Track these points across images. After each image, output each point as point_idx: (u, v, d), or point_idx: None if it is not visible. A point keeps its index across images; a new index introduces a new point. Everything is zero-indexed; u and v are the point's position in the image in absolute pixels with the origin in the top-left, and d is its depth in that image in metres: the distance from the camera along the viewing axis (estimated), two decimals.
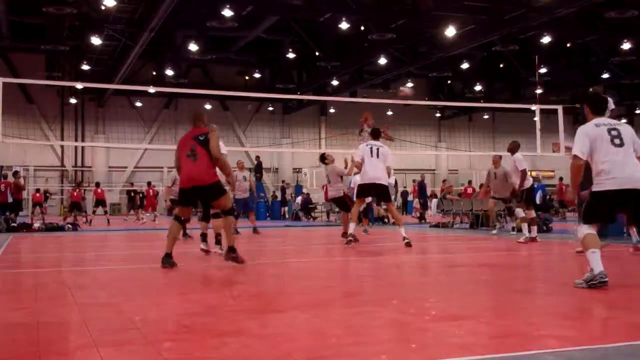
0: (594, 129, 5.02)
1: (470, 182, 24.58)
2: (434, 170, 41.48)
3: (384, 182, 9.50)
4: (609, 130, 5.00)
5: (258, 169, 29.24)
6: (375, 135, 9.86)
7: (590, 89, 6.16)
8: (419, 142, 36.69)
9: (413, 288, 5.44)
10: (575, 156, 4.99)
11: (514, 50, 28.36)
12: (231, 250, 6.68)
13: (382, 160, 9.47)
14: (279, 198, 28.97)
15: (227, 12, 22.07)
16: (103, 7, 21.71)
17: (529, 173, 11.35)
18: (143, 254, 9.13)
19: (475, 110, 40.64)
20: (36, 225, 16.37)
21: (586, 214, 5.00)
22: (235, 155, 37.81)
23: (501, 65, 33.25)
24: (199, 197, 6.92)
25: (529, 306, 4.35)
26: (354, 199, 10.36)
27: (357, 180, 13.77)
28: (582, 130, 5.07)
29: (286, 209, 28.10)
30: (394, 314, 3.96)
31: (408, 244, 9.05)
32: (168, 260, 6.57)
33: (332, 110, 39.20)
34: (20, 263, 7.66)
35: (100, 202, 21.91)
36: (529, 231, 10.55)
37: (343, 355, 2.91)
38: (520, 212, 10.78)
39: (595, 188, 4.96)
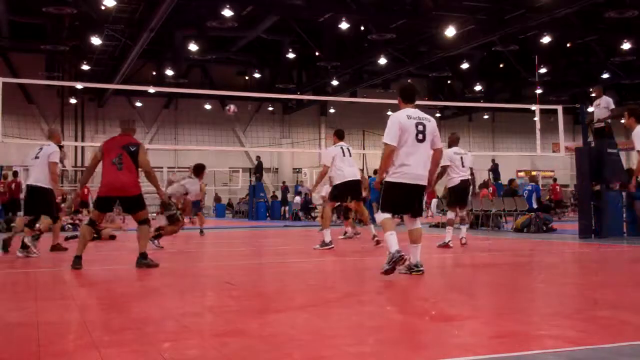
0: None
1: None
2: None
3: (359, 178, 9.56)
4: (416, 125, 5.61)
5: (258, 169, 29.27)
6: (340, 136, 9.67)
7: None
8: None
9: (413, 288, 5.44)
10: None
11: (514, 50, 28.34)
12: (142, 256, 6.74)
13: (353, 159, 9.50)
14: (279, 198, 29.00)
15: (227, 12, 22.06)
16: (103, 7, 21.70)
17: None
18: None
19: (475, 110, 40.62)
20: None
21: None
22: (235, 156, 37.91)
23: (501, 65, 33.24)
24: (121, 205, 7.03)
25: (529, 306, 4.35)
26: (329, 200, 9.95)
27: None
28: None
29: (286, 208, 28.14)
30: (394, 314, 3.96)
31: (378, 242, 9.02)
32: (78, 262, 6.59)
33: (332, 110, 39.19)
34: (20, 263, 7.66)
35: (84, 203, 21.64)
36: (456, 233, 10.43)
37: (343, 355, 2.91)
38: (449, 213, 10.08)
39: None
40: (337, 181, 9.36)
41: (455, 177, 9.52)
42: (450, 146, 9.81)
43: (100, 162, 6.87)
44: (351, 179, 9.25)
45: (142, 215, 6.94)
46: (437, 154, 5.88)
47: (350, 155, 9.37)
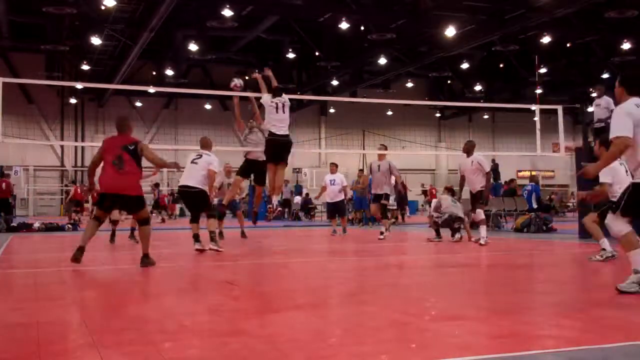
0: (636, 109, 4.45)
1: None
2: (433, 170, 41.45)
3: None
4: None
5: None
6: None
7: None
8: (418, 142, 36.73)
9: (413, 288, 5.44)
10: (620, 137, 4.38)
11: (514, 50, 28.34)
12: (145, 257, 6.82)
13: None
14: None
15: (227, 12, 22.05)
16: (103, 7, 21.69)
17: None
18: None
19: (475, 110, 40.63)
20: (36, 225, 16.36)
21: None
22: (235, 156, 37.97)
23: (501, 65, 33.24)
24: (121, 204, 7.14)
25: (529, 306, 4.35)
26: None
27: (327, 179, 13.98)
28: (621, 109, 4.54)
29: (286, 209, 28.11)
30: (394, 314, 3.96)
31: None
32: (79, 254, 6.70)
33: (332, 110, 39.18)
34: (20, 263, 7.66)
35: (77, 203, 21.53)
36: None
37: (343, 355, 2.91)
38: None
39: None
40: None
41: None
42: (471, 152, 9.99)
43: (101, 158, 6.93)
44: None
45: (143, 214, 6.96)
46: None
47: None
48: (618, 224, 4.57)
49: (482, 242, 9.64)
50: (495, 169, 26.59)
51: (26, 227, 15.89)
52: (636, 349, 2.95)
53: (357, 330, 3.47)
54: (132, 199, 6.81)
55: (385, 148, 12.93)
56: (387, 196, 11.69)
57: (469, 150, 10.03)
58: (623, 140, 4.37)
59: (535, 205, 14.34)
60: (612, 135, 4.44)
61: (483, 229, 9.84)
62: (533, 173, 35.32)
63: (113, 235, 10.61)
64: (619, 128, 4.40)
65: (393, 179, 11.98)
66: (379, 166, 11.61)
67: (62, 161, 36.32)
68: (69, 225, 17.10)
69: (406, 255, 8.66)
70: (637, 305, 4.30)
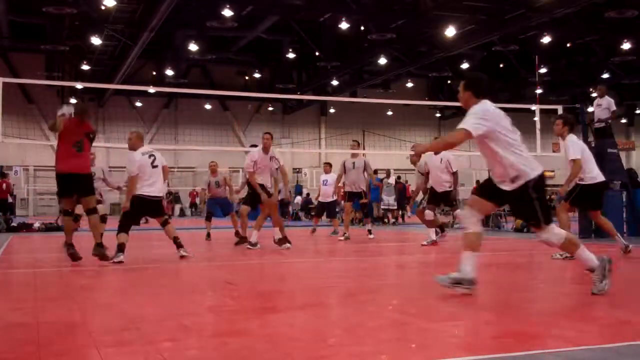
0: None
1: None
2: None
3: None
4: None
5: None
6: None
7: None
8: (418, 142, 36.69)
9: (413, 288, 5.44)
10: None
11: (514, 50, 28.34)
12: (99, 245, 7.17)
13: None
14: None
15: (227, 12, 22.06)
16: (103, 7, 21.70)
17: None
18: (142, 254, 9.12)
19: None
20: (36, 225, 16.36)
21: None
22: (235, 156, 37.97)
23: (501, 65, 33.24)
24: (75, 185, 7.35)
25: (529, 306, 4.35)
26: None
27: (321, 179, 13.98)
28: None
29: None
30: (394, 314, 3.96)
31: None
32: (71, 248, 7.26)
33: (332, 110, 39.18)
34: (20, 263, 7.66)
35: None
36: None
37: (343, 355, 2.91)
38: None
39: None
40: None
41: None
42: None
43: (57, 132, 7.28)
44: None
45: (92, 202, 7.36)
46: None
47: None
48: (468, 220, 4.53)
49: (424, 242, 9.64)
50: None
51: (26, 227, 15.89)
52: (636, 349, 2.95)
53: (357, 330, 3.47)
54: (86, 177, 7.28)
55: (358, 145, 12.75)
56: (365, 194, 11.66)
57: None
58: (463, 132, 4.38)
59: None
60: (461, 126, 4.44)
61: (432, 231, 9.81)
62: None
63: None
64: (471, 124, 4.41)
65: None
66: (353, 164, 11.48)
67: None
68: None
69: (405, 255, 8.67)
70: (637, 305, 4.30)
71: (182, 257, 7.65)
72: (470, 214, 4.53)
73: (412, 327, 3.54)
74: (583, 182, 7.41)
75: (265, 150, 9.38)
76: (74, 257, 7.16)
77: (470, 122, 4.37)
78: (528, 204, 4.34)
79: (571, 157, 7.18)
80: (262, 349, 3.04)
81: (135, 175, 7.53)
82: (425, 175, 9.97)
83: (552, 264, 6.96)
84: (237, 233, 10.88)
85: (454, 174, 9.77)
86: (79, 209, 8.87)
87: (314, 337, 3.36)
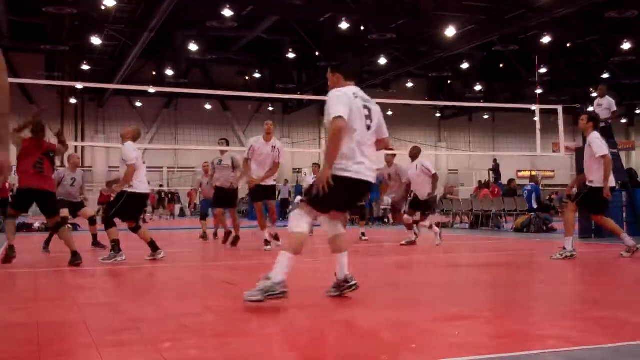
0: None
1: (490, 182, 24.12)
2: None
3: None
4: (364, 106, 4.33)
5: None
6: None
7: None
8: (419, 142, 36.66)
9: (413, 288, 5.43)
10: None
11: (514, 50, 28.34)
12: (73, 254, 7.09)
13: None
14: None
15: (227, 12, 22.07)
16: (103, 7, 21.71)
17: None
18: (141, 254, 9.11)
19: (475, 110, 40.62)
20: (36, 225, 16.35)
21: None
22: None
23: (501, 65, 33.26)
24: (38, 200, 7.38)
25: (529, 306, 4.35)
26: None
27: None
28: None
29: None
30: (394, 314, 3.96)
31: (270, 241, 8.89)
32: (12, 252, 7.47)
33: None
34: (20, 263, 7.65)
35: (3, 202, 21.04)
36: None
37: (343, 355, 2.91)
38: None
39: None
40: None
41: None
42: (417, 158, 10.13)
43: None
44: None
45: (55, 218, 7.44)
46: None
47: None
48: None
49: (403, 242, 10.02)
50: (496, 168, 26.62)
51: (26, 227, 15.88)
52: (636, 349, 2.94)
53: (357, 330, 3.46)
54: (48, 195, 7.24)
55: None
56: None
57: (414, 155, 10.09)
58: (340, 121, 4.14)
59: (535, 205, 14.34)
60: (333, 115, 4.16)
61: (412, 232, 10.15)
62: (533, 173, 35.31)
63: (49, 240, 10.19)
64: (338, 110, 4.15)
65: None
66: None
67: (62, 161, 36.30)
68: (69, 226, 17.05)
69: (405, 255, 8.67)
70: (637, 305, 4.30)
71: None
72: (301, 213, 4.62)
73: (412, 327, 3.53)
74: (592, 185, 7.30)
75: (266, 138, 8.80)
76: (9, 259, 7.35)
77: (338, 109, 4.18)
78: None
79: (600, 154, 7.13)
80: (262, 349, 3.04)
81: (133, 164, 7.32)
82: (407, 185, 10.32)
83: (552, 264, 6.97)
84: (228, 233, 10.56)
85: (434, 176, 9.86)
86: (64, 212, 9.02)
87: (313, 337, 3.36)
